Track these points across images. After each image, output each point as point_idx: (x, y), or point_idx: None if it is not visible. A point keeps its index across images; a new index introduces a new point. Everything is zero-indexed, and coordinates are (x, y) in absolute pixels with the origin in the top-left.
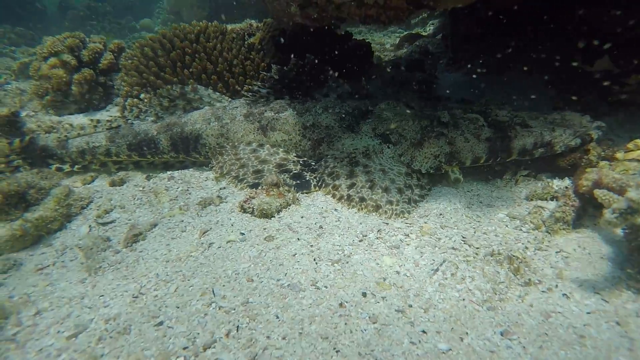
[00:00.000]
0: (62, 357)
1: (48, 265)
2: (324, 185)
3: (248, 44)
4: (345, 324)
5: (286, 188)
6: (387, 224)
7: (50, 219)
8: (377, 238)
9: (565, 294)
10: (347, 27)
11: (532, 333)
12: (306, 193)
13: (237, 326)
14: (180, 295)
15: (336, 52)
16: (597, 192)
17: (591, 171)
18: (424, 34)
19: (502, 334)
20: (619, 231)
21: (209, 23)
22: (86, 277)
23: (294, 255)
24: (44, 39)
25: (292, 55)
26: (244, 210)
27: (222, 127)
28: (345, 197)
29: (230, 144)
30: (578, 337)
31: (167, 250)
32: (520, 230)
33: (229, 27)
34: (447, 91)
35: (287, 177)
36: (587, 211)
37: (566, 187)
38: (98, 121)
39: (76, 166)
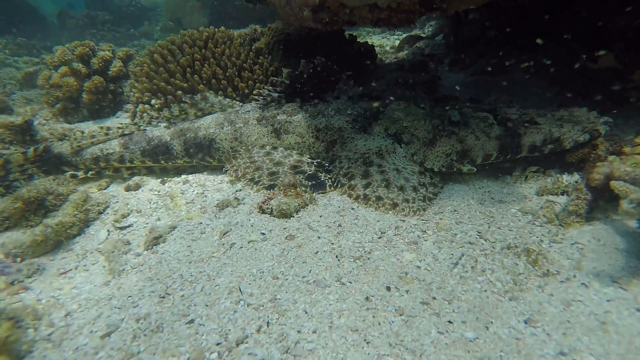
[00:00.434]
0: (99, 355)
1: (70, 269)
2: (339, 185)
3: (255, 49)
4: (373, 316)
5: (303, 188)
6: (404, 221)
7: (69, 224)
8: (395, 235)
9: (584, 284)
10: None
11: (555, 321)
12: (322, 193)
13: (267, 322)
14: (207, 294)
15: (342, 55)
16: (614, 184)
17: (602, 165)
18: (423, 35)
19: (525, 322)
20: (633, 223)
21: (216, 29)
22: (110, 280)
23: (316, 252)
24: (54, 48)
25: (302, 59)
26: (262, 211)
27: (236, 131)
28: (362, 197)
29: (243, 147)
30: (600, 323)
31: (189, 252)
32: (534, 224)
33: (235, 32)
34: (457, 88)
35: (302, 178)
36: (598, 204)
37: (576, 181)
38: (109, 128)
39: (90, 172)
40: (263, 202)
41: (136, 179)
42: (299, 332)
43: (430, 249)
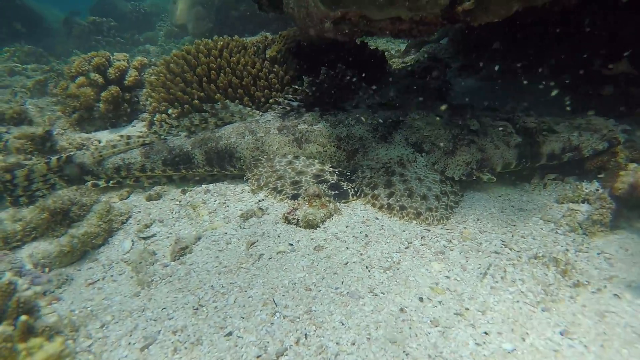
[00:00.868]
0: None
1: (98, 280)
2: (362, 194)
3: (270, 57)
4: (410, 328)
5: (327, 199)
6: (429, 230)
7: (94, 234)
8: (422, 244)
9: (616, 295)
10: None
11: (591, 332)
12: (344, 202)
13: (305, 334)
14: (241, 306)
15: (353, 62)
16: None
17: (626, 174)
18: (427, 39)
19: (561, 334)
20: None
21: (231, 38)
22: (140, 291)
23: (346, 263)
24: (71, 58)
25: (322, 66)
26: (288, 221)
27: (257, 141)
28: (386, 206)
29: (265, 156)
30: (637, 336)
31: (217, 263)
32: (557, 232)
33: (248, 40)
34: (467, 99)
35: (325, 188)
36: (622, 213)
37: (597, 189)
38: (129, 137)
39: (111, 182)
40: (288, 213)
41: (157, 188)
42: (337, 344)
43: (458, 259)
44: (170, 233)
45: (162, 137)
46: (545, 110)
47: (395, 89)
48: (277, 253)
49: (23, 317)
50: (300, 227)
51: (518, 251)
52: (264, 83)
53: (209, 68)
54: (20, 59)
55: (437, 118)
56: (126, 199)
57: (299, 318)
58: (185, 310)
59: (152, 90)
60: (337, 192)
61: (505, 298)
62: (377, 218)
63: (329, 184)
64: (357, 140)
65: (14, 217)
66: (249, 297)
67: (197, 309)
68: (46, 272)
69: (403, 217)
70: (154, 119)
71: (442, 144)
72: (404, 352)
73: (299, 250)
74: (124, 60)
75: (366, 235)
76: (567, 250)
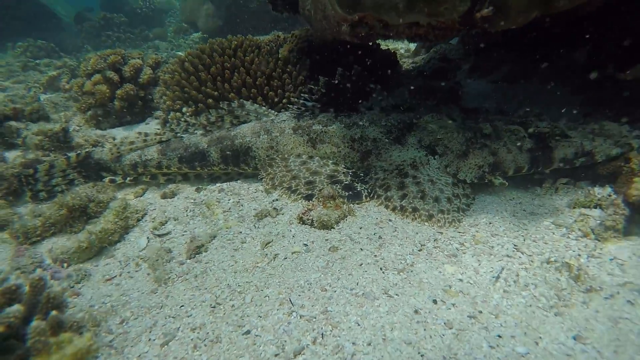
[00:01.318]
0: None
1: (115, 276)
2: (375, 196)
3: (283, 58)
4: (424, 329)
5: (341, 200)
6: (442, 233)
7: (111, 231)
8: (434, 247)
9: (629, 301)
10: None
11: (604, 338)
12: (358, 204)
13: (322, 333)
14: (258, 305)
15: (366, 63)
16: None
17: None
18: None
19: (574, 339)
20: None
21: (244, 37)
22: (157, 288)
23: (361, 265)
24: (86, 56)
25: (338, 68)
26: (302, 222)
27: (272, 140)
28: (399, 208)
29: (280, 156)
30: None
31: (233, 262)
32: (569, 237)
33: (261, 39)
34: (474, 103)
35: (338, 188)
36: (635, 219)
37: (609, 195)
38: (146, 135)
39: (128, 178)
40: (303, 213)
41: (172, 186)
42: (354, 344)
43: (470, 262)
44: (185, 231)
45: (179, 134)
46: (558, 114)
47: (407, 90)
48: (292, 253)
49: (54, 312)
50: (314, 227)
51: (530, 255)
52: (277, 83)
53: (223, 67)
54: (33, 54)
55: (450, 121)
56: (141, 196)
57: (315, 318)
58: (203, 308)
59: (167, 88)
60: (350, 193)
61: (518, 302)
62: (390, 220)
63: (342, 184)
64: (371, 141)
65: (33, 213)
66: (266, 296)
67: (214, 307)
68: (65, 267)
69: (415, 219)
70: (168, 117)
71: (454, 147)
72: (419, 353)
73: (314, 251)
74: (139, 58)
75: (380, 237)
76: (580, 255)
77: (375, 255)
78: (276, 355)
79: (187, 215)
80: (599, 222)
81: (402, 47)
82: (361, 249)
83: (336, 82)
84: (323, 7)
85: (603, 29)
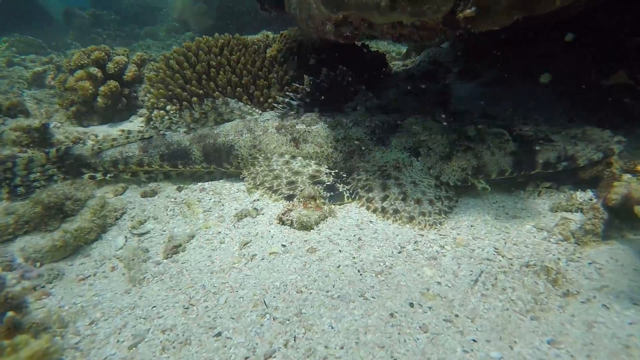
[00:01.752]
0: None
1: (89, 276)
2: (357, 197)
3: (270, 57)
4: (399, 333)
5: (322, 200)
6: (422, 235)
7: (87, 229)
8: (415, 249)
9: (604, 305)
10: None
11: (578, 342)
12: (339, 204)
13: (294, 336)
14: (232, 307)
15: (354, 64)
16: (638, 209)
17: (620, 185)
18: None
19: (549, 343)
20: None
21: (231, 36)
22: (131, 288)
23: (339, 266)
24: (70, 52)
25: (323, 68)
26: (282, 222)
27: (255, 139)
28: (380, 209)
29: (262, 155)
30: (624, 347)
31: (209, 262)
32: (549, 241)
33: (249, 38)
34: (463, 106)
35: (320, 189)
36: (614, 223)
37: (590, 199)
38: (129, 132)
39: (108, 175)
40: (283, 214)
41: (153, 185)
42: (326, 347)
43: (450, 265)
44: (164, 230)
45: (162, 132)
46: (543, 118)
47: (394, 92)
48: (270, 254)
49: (10, 313)
50: (294, 228)
51: (510, 259)
52: (263, 82)
53: (208, 65)
54: (19, 49)
55: (435, 123)
56: (121, 194)
57: (288, 320)
58: (176, 309)
59: (151, 86)
60: (332, 193)
61: (495, 306)
62: (371, 221)
63: (324, 185)
64: (355, 142)
65: (6, 210)
66: (240, 298)
67: (187, 308)
68: (37, 267)
69: (396, 220)
70: (152, 115)
71: (438, 149)
72: (391, 357)
73: (292, 252)
74: (123, 55)
75: (359, 239)
76: (559, 259)
77: (354, 257)
78: (246, 358)
79: (167, 215)
80: (579, 226)
81: (394, 50)
82: (340, 251)
83: (320, 81)
84: (308, 5)
85: (587, 34)
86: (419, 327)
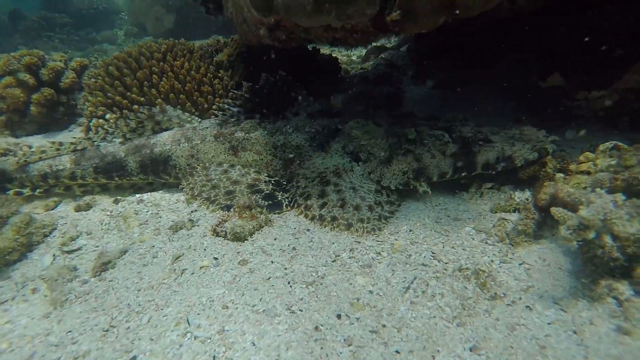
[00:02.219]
0: None
1: (7, 300)
2: (296, 205)
3: (217, 62)
4: (321, 348)
5: (258, 210)
6: (359, 242)
7: (8, 249)
8: (350, 257)
9: (528, 306)
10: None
11: (499, 347)
12: (278, 213)
13: (214, 356)
14: (154, 327)
15: (305, 69)
16: (554, 210)
17: (549, 185)
18: (388, 45)
19: (471, 350)
20: (574, 243)
21: (176, 41)
22: (51, 312)
23: (268, 279)
24: None
25: (263, 73)
26: (216, 234)
27: (193, 148)
28: (318, 217)
29: (201, 164)
30: (540, 348)
31: (138, 279)
32: (486, 243)
33: (196, 43)
34: (415, 109)
35: (259, 198)
36: (546, 223)
37: (526, 200)
38: (61, 144)
39: (37, 190)
40: (217, 225)
41: (87, 198)
42: None
43: (384, 273)
44: (97, 246)
45: (96, 143)
46: (489, 120)
47: (344, 96)
48: (200, 268)
49: None
50: (228, 240)
51: (446, 263)
52: (207, 89)
53: (150, 72)
54: None
55: (376, 126)
56: (53, 209)
57: (210, 339)
58: (94, 333)
59: (89, 93)
60: (270, 202)
61: (423, 313)
62: (308, 230)
63: (263, 194)
64: (294, 148)
65: None
66: (164, 316)
67: (106, 331)
68: None
69: (334, 228)
70: (91, 124)
71: (378, 153)
72: None
73: (223, 265)
74: (60, 60)
75: (294, 249)
76: (493, 261)
77: (286, 268)
78: None
79: (101, 229)
80: (513, 226)
81: (355, 54)
82: (272, 262)
83: (259, 87)
84: (241, 9)
85: (527, 37)
86: (344, 340)
